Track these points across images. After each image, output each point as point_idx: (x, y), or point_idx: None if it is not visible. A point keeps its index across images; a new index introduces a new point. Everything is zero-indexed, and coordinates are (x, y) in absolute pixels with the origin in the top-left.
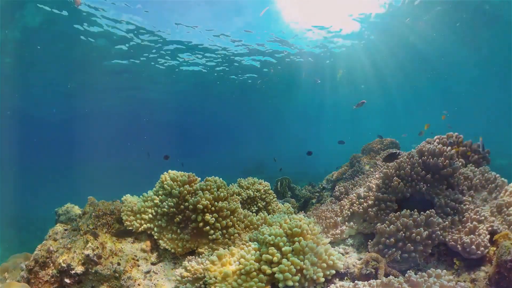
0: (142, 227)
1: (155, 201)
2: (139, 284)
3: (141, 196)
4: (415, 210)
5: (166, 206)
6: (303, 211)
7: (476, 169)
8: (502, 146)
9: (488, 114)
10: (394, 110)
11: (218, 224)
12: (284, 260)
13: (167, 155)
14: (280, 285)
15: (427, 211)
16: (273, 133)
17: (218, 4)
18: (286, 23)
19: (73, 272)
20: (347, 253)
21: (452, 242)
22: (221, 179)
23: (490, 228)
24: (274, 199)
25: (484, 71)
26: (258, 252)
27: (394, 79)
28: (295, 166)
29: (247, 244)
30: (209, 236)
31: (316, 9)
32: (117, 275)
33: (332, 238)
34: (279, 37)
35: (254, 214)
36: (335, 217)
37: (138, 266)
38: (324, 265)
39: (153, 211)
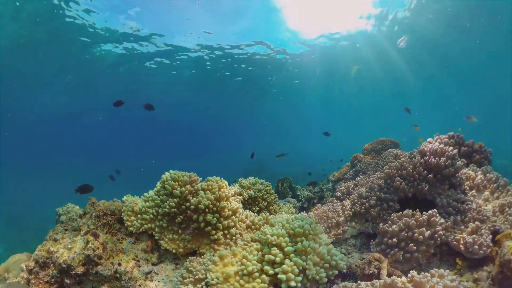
0: (143, 227)
1: (156, 201)
2: (140, 285)
3: (142, 196)
4: (417, 210)
5: (167, 206)
6: (304, 211)
7: (478, 169)
8: (503, 146)
9: (488, 113)
10: (395, 110)
11: (220, 225)
12: (287, 261)
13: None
14: (283, 285)
15: (429, 211)
16: (274, 133)
17: (219, 7)
18: (288, 23)
19: (73, 272)
20: (349, 253)
21: (455, 242)
22: (222, 179)
23: (492, 228)
24: (275, 199)
25: (484, 69)
26: (260, 252)
27: (392, 78)
28: (296, 166)
29: (249, 244)
30: (211, 237)
31: (322, 10)
32: (118, 275)
33: (334, 238)
34: (281, 38)
35: (255, 214)
36: (337, 217)
37: (139, 266)
38: (327, 265)
39: (154, 211)
